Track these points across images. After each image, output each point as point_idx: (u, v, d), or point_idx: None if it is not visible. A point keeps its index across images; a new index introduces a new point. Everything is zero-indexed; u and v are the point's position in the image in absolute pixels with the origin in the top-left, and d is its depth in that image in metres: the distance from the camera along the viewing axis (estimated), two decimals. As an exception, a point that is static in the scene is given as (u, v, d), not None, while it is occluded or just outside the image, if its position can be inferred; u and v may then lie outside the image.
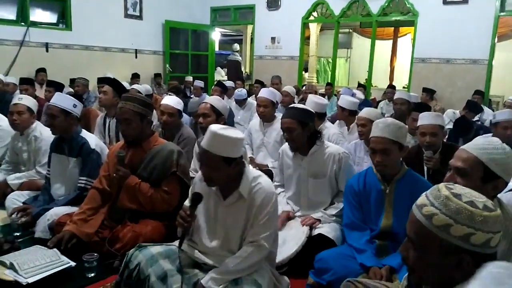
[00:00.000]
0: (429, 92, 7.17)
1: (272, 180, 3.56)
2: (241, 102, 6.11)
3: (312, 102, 3.83)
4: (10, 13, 7.33)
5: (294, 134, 2.69)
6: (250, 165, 2.14)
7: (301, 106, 2.81)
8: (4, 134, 3.78)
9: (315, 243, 2.52)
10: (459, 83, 7.32)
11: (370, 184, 2.36)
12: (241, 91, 6.15)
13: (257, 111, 4.08)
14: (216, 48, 11.88)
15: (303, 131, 2.68)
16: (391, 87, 7.90)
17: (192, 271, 2.11)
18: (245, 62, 13.14)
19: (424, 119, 3.01)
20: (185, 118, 4.91)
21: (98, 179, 2.76)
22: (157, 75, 9.10)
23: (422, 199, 1.12)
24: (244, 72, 12.43)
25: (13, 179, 3.36)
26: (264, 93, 4.05)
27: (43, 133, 3.38)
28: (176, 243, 2.19)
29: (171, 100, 3.48)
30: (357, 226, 2.39)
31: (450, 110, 6.16)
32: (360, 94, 6.68)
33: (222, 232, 2.05)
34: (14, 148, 3.56)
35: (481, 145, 1.62)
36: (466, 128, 4.92)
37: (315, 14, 8.98)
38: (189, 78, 8.97)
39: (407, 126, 2.42)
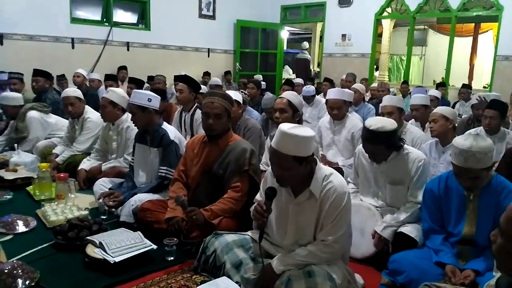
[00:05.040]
0: None
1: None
2: (309, 99, 6.10)
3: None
4: (95, 14, 7.91)
5: (379, 155, 2.54)
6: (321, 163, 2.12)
7: (384, 129, 2.43)
8: (93, 126, 4.12)
9: (395, 242, 2.45)
10: (548, 83, 6.74)
11: (452, 188, 2.25)
12: (309, 88, 6.19)
13: (329, 113, 3.97)
14: (284, 47, 11.91)
15: (388, 150, 2.52)
16: (466, 86, 7.33)
17: (266, 260, 2.16)
18: (313, 60, 13.04)
19: None
20: (255, 114, 5.01)
21: (178, 172, 2.88)
22: (227, 73, 9.34)
23: None
24: (312, 71, 12.35)
25: (106, 165, 3.71)
26: (333, 94, 3.91)
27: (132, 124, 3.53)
28: (249, 232, 2.26)
29: None
30: (435, 231, 2.30)
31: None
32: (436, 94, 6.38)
33: (293, 229, 2.05)
34: (105, 137, 3.86)
35: None
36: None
37: (389, 9, 8.71)
38: (259, 77, 9.10)
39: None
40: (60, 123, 4.64)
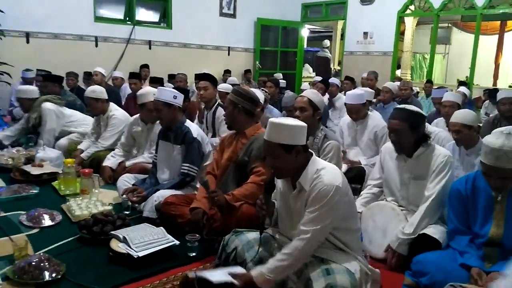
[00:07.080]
0: None
1: (364, 179, 3.52)
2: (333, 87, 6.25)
3: None
4: (118, 13, 8.01)
5: (403, 137, 2.54)
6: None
7: (411, 108, 2.59)
8: (118, 122, 4.18)
9: (418, 244, 2.41)
10: None
11: (480, 188, 2.21)
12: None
13: (349, 115, 3.96)
14: (304, 45, 11.84)
15: (412, 134, 2.52)
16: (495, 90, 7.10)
17: None
18: (334, 58, 12.94)
19: None
20: (276, 112, 5.01)
21: (211, 165, 2.94)
22: (247, 71, 9.35)
23: None
24: (332, 69, 12.26)
25: (130, 161, 3.76)
26: (350, 99, 3.86)
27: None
28: (269, 231, 2.26)
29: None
30: (461, 232, 2.26)
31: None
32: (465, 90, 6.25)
33: (298, 220, 2.05)
34: (131, 132, 3.91)
35: None
36: None
37: (412, 7, 8.56)
38: (279, 75, 9.08)
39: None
40: (75, 116, 4.69)
